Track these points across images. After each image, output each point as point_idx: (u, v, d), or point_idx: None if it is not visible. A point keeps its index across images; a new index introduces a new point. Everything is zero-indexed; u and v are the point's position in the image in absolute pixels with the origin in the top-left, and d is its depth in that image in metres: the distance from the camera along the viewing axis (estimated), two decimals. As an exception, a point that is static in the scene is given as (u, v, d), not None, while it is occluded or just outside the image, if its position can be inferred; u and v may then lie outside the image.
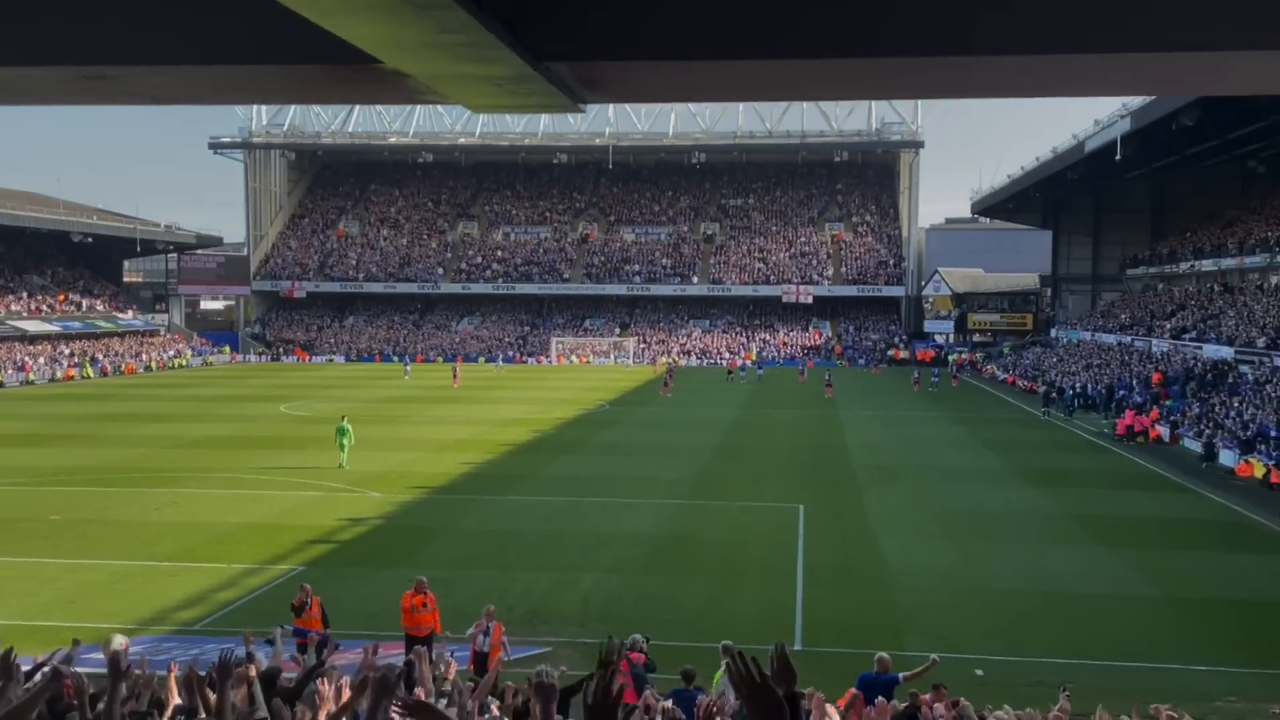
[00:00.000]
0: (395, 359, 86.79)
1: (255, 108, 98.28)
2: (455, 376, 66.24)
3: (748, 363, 79.43)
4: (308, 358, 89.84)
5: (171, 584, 20.72)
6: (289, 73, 5.65)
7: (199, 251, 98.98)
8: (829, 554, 23.59)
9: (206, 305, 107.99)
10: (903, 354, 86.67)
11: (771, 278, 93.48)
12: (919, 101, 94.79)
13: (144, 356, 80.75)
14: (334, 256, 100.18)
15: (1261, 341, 47.59)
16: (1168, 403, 47.25)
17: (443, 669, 10.54)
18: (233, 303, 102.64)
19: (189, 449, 38.15)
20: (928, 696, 11.62)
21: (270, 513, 27.31)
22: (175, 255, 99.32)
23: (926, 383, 64.81)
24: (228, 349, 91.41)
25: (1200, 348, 53.11)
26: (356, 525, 26.09)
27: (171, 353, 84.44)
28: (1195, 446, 39.18)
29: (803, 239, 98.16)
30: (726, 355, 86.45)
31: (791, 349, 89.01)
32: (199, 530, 25.25)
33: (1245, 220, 65.42)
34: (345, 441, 34.41)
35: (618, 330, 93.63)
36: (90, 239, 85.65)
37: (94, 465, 34.41)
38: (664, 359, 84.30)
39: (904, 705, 11.43)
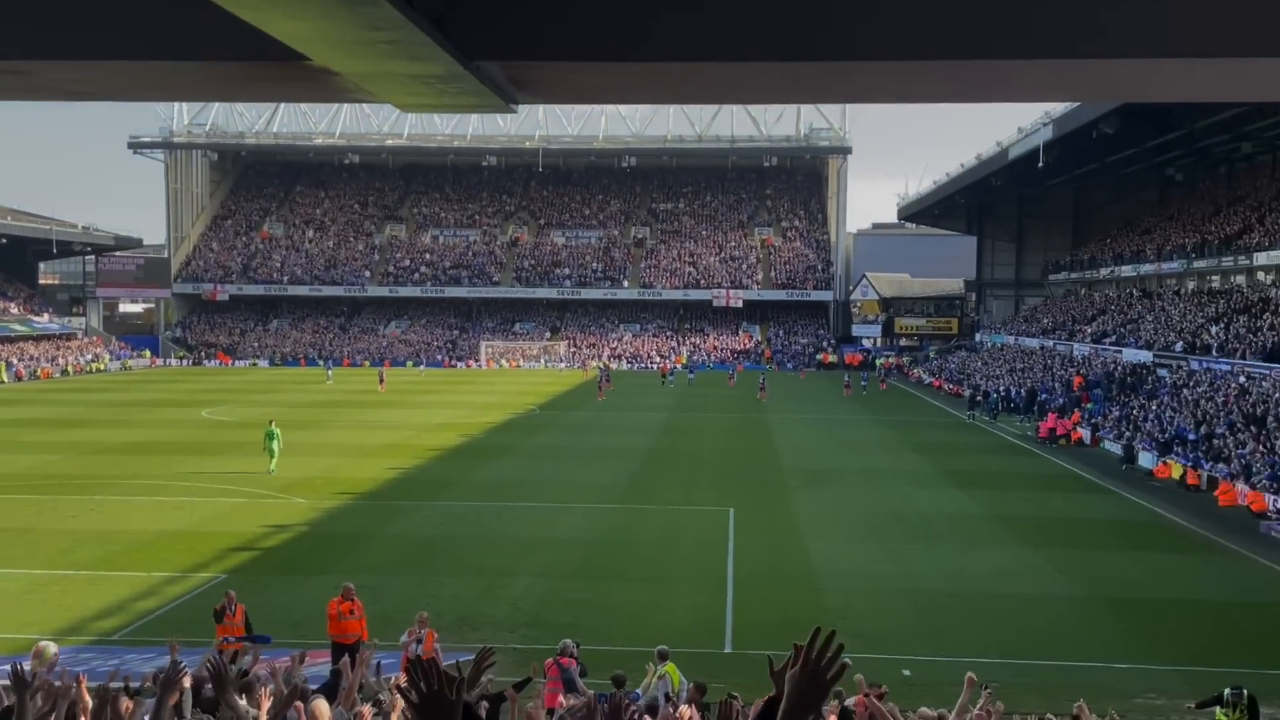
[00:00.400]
0: (320, 363, 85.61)
1: (177, 107, 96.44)
2: (381, 381, 65.20)
3: (678, 366, 79.63)
4: (230, 362, 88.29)
5: (90, 593, 20.21)
6: (214, 70, 5.53)
7: (118, 253, 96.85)
8: (759, 557, 23.69)
9: (126, 308, 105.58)
10: (831, 358, 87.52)
11: (701, 282, 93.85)
12: (846, 107, 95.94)
13: (60, 360, 78.81)
14: (258, 259, 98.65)
15: (1179, 346, 48.78)
16: (1089, 406, 48.24)
17: (390, 680, 10.37)
18: (153, 306, 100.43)
19: (108, 455, 37.29)
20: (860, 697, 11.68)
21: (192, 520, 26.77)
22: (93, 257, 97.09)
23: (857, 387, 65.44)
24: (148, 353, 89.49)
25: (1120, 352, 54.31)
26: (281, 532, 25.67)
27: (89, 356, 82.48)
28: (1115, 449, 40.03)
29: (732, 243, 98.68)
30: (658, 359, 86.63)
31: (722, 353, 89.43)
32: (118, 538, 24.66)
33: (1163, 227, 67.09)
34: (274, 446, 33.90)
35: (548, 334, 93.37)
36: (4, 240, 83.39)
37: (9, 472, 33.44)
38: (595, 363, 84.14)
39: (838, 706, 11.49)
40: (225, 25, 4.59)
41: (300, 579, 21.39)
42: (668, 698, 12.47)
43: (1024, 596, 20.87)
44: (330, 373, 73.31)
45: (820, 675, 2.90)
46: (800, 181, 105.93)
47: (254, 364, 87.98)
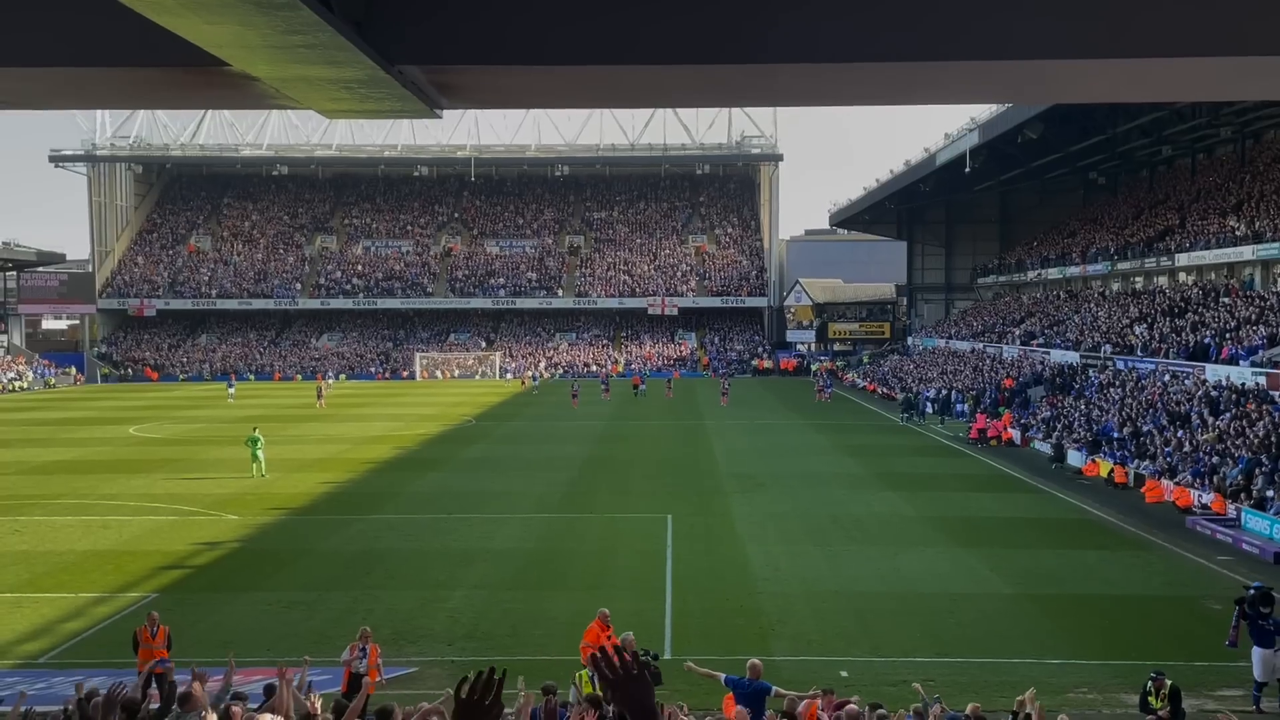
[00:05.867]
0: (250, 377, 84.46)
1: (99, 119, 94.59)
2: (320, 396, 63.58)
3: (614, 375, 79.46)
4: (158, 377, 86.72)
5: (15, 616, 19.73)
6: (131, 76, 5.42)
7: (40, 269, 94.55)
8: (697, 563, 23.74)
9: (49, 325, 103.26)
10: (767, 364, 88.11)
11: (637, 290, 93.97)
12: (777, 115, 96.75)
13: (-18, 379, 76.88)
14: (185, 273, 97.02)
15: (1105, 346, 49.75)
16: (1003, 409, 48.98)
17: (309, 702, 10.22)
18: (77, 322, 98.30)
19: (32, 475, 36.43)
20: (816, 701, 11.75)
21: (120, 539, 26.23)
22: (14, 273, 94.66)
23: (823, 391, 65.65)
24: (73, 370, 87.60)
25: (1048, 353, 55.27)
26: (212, 549, 25.25)
27: (11, 374, 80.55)
28: (1045, 448, 40.71)
29: (666, 251, 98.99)
30: (595, 368, 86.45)
31: (659, 361, 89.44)
32: (44, 559, 24.11)
33: (1087, 230, 68.45)
34: (258, 451, 35.06)
35: (483, 344, 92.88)
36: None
37: (-73, 494, 32.56)
38: (528, 374, 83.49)
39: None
40: (139, 30, 4.51)
41: (232, 596, 21.07)
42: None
43: (957, 595, 21.12)
44: (232, 389, 69.26)
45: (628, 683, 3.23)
46: (733, 189, 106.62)
47: (182, 379, 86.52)
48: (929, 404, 55.46)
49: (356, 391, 73.98)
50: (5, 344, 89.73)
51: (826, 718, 11.12)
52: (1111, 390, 43.84)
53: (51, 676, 16.28)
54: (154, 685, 14.40)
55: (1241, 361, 37.91)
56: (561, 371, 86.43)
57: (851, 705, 11.28)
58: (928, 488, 33.46)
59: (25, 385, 79.85)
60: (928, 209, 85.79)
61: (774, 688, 12.72)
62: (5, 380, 78.64)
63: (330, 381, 77.41)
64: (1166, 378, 41.66)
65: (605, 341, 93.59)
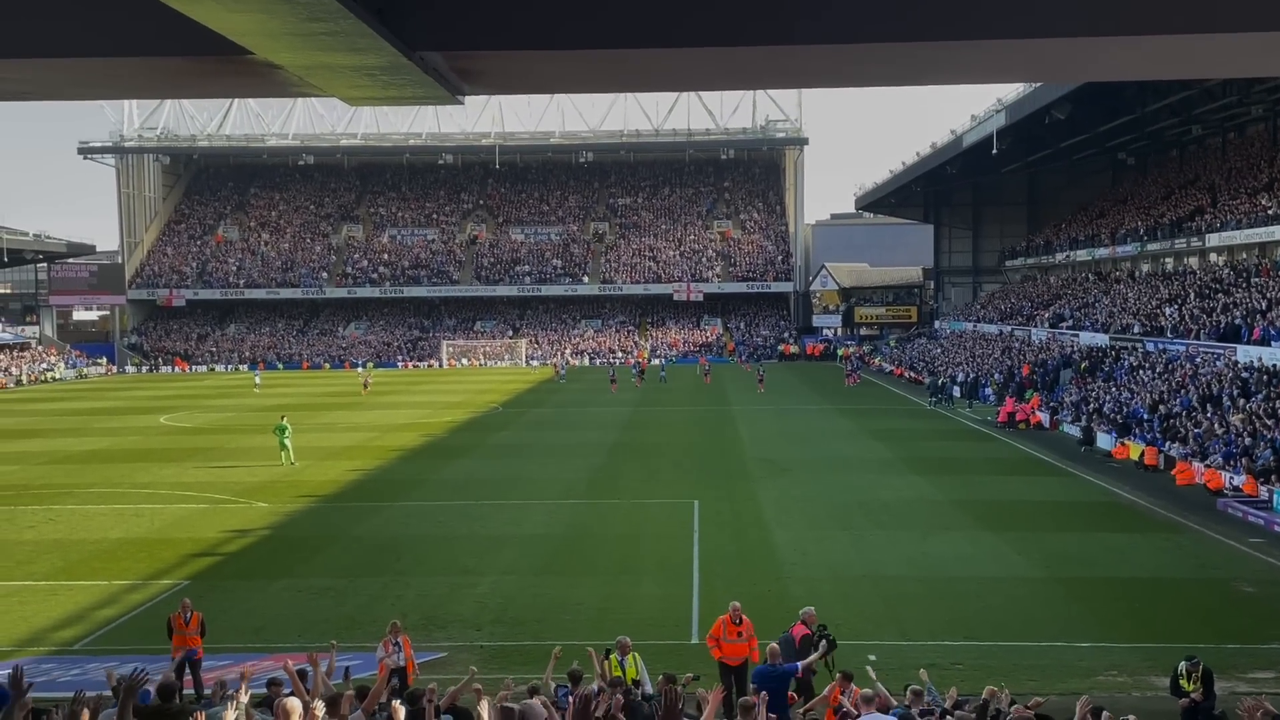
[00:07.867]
0: (280, 366, 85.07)
1: (127, 111, 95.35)
2: (366, 385, 63.80)
3: (639, 361, 79.56)
4: (188, 368, 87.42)
5: (50, 603, 19.96)
6: (155, 65, 5.46)
7: (70, 260, 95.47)
8: (724, 547, 23.75)
9: (80, 316, 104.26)
10: (793, 349, 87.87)
11: (662, 276, 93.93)
12: (801, 98, 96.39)
13: (14, 370, 77.70)
14: (213, 263, 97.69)
15: (1135, 328, 49.34)
16: (1031, 392, 48.64)
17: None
18: (108, 313, 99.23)
19: (65, 464, 36.81)
20: (835, 686, 11.72)
21: (152, 527, 26.49)
22: (45, 265, 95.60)
23: (852, 375, 65.84)
24: (104, 360, 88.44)
25: (1077, 335, 54.87)
26: (243, 537, 25.45)
27: (44, 365, 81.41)
28: (1074, 431, 40.45)
29: (692, 237, 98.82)
30: (620, 355, 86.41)
31: (686, 347, 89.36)
32: (77, 547, 24.38)
33: (1116, 211, 67.83)
34: (285, 440, 35.27)
35: (509, 332, 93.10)
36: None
37: (-38, 484, 32.94)
38: (553, 361, 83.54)
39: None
40: (165, 20, 4.53)
41: (263, 583, 21.23)
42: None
43: (986, 579, 21.04)
44: (258, 379, 70.00)
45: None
46: (758, 174, 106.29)
47: (211, 369, 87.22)
48: (956, 388, 55.19)
49: (383, 379, 74.28)
50: (37, 335, 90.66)
51: (847, 702, 11.10)
52: (1141, 372, 43.49)
53: (86, 663, 16.47)
54: (187, 672, 14.59)
55: (1273, 342, 37.50)
56: (617, 359, 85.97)
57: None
58: (955, 471, 33.31)
59: (58, 376, 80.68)
60: (954, 191, 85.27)
61: (799, 665, 12.72)
62: (38, 371, 79.48)
63: (367, 369, 78.04)
64: (1197, 359, 41.28)
65: (631, 328, 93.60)
